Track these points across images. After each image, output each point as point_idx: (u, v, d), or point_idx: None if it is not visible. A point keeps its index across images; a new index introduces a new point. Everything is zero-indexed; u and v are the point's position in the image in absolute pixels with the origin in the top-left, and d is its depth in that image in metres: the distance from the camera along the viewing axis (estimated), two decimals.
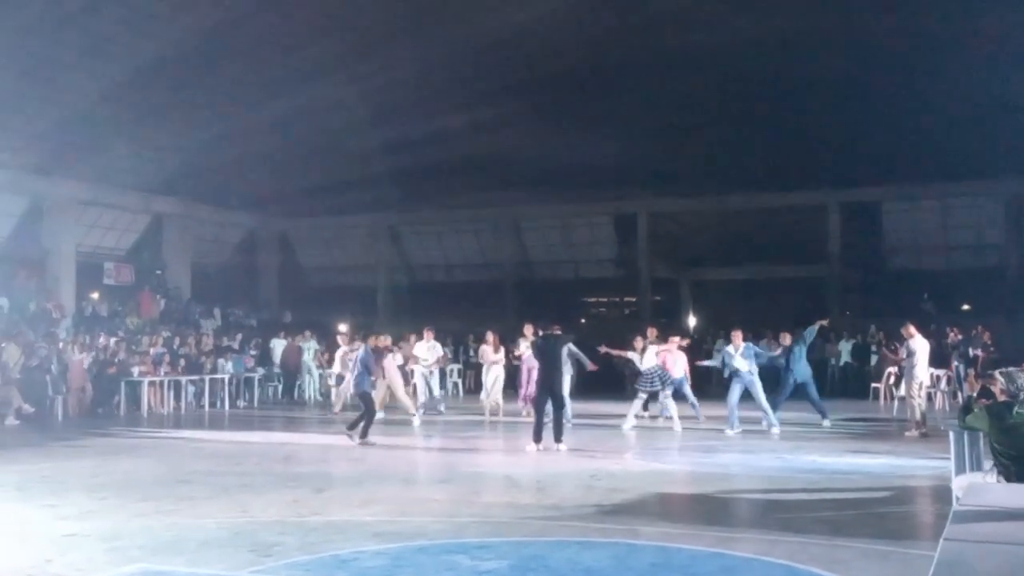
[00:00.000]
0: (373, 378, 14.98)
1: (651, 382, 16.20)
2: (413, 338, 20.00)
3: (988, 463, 7.46)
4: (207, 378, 21.93)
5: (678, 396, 17.35)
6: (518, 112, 23.45)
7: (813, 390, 16.75)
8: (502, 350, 18.66)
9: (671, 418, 16.33)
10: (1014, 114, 21.18)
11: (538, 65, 21.66)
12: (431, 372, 19.56)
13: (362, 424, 14.34)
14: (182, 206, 29.72)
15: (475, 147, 25.36)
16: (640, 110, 23.82)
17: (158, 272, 30.00)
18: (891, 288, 28.83)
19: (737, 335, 16.08)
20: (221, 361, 22.41)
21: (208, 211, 31.00)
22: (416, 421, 17.23)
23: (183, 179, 27.65)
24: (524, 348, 17.49)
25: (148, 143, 25.11)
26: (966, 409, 7.47)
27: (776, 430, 15.37)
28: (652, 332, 18.32)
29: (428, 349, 19.43)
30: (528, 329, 17.03)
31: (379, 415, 17.56)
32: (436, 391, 19.86)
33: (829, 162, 25.88)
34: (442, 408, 19.71)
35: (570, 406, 16.64)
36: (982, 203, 28.44)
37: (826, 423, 16.40)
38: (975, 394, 7.80)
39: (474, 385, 25.48)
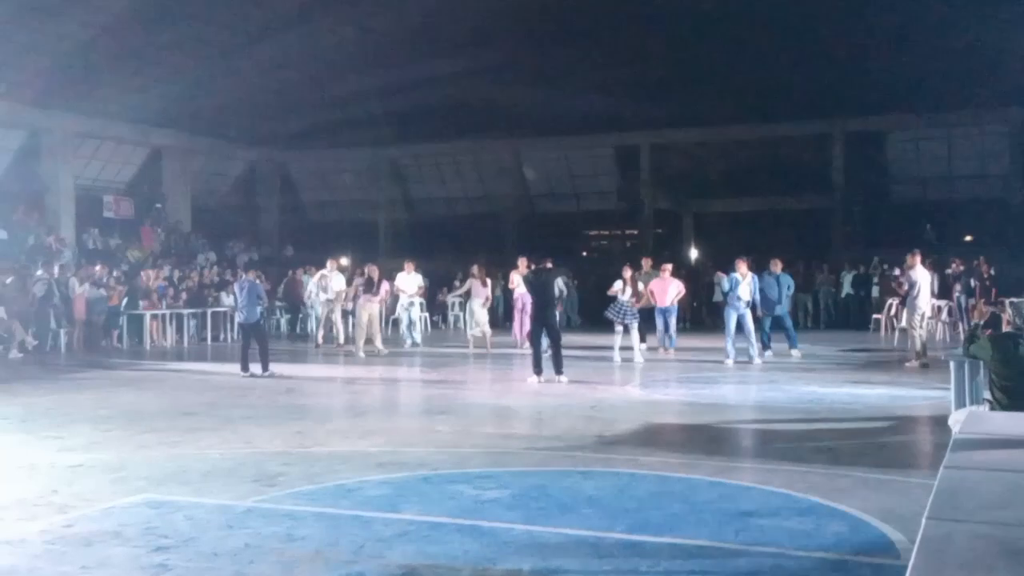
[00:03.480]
0: (261, 308, 15.10)
1: (618, 313, 15.97)
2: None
3: (987, 394, 7.48)
4: (209, 311, 22.00)
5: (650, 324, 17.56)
6: (520, 44, 23.16)
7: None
8: (488, 283, 18.71)
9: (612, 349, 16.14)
10: (1021, 43, 20.89)
11: None
12: (411, 303, 19.73)
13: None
14: (181, 139, 29.49)
15: (475, 80, 25.09)
16: (642, 40, 23.50)
17: (158, 206, 29.90)
18: (894, 219, 28.72)
19: (742, 264, 16.06)
20: (223, 294, 22.43)
21: (207, 144, 30.76)
22: (360, 354, 17.43)
23: (182, 112, 27.39)
24: (517, 281, 17.52)
25: (147, 76, 24.83)
26: (971, 337, 7.47)
27: (759, 360, 15.44)
28: (647, 263, 18.27)
29: (409, 281, 19.52)
30: (522, 262, 17.00)
31: (372, 349, 17.70)
32: (417, 323, 19.98)
33: (833, 91, 25.59)
34: (418, 339, 19.81)
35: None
36: (987, 133, 28.17)
37: (768, 354, 16.55)
38: (982, 323, 7.78)
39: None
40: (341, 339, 19.56)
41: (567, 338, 14.55)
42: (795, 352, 16.56)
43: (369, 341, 17.97)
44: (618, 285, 15.96)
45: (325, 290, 19.71)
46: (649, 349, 17.61)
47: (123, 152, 29.70)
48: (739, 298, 15.83)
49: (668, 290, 17.32)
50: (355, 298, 18.29)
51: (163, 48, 23.23)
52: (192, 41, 23.07)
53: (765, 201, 30.40)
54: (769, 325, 16.81)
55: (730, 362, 15.52)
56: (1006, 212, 27.30)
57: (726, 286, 16.20)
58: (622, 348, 15.89)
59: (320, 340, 19.92)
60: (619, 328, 15.94)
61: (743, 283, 15.90)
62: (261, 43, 22.94)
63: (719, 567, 5.31)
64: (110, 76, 23.90)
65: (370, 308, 17.69)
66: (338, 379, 14.82)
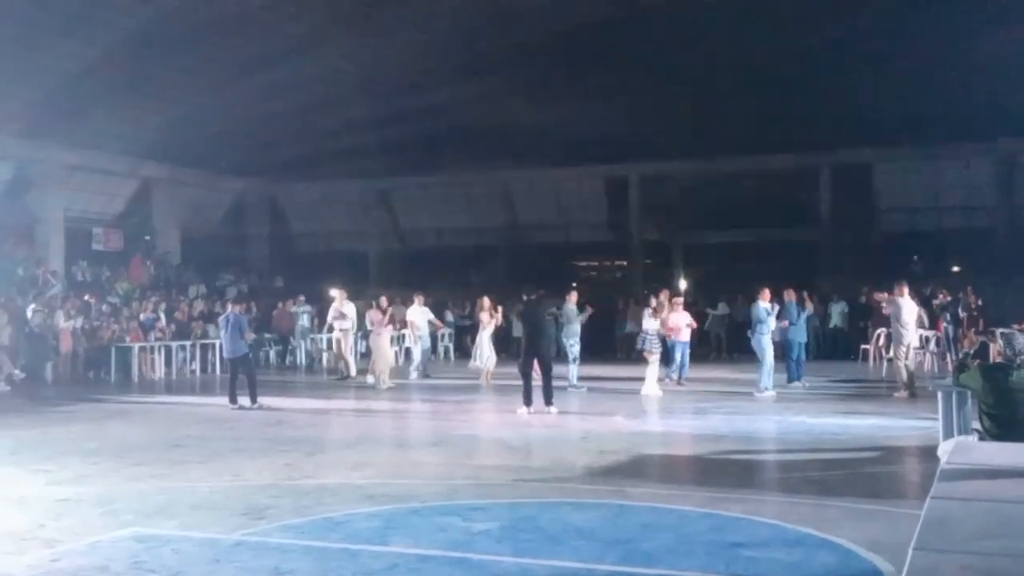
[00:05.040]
0: (246, 341, 15.01)
1: (649, 344, 15.90)
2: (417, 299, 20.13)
3: (976, 424, 7.51)
4: (198, 343, 21.93)
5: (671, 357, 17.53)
6: (509, 77, 23.28)
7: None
8: (497, 313, 18.78)
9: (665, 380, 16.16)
10: (1006, 75, 21.12)
11: (529, 29, 21.44)
12: (427, 335, 19.81)
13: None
14: (170, 171, 29.51)
15: (465, 112, 25.23)
16: (631, 74, 23.68)
17: (147, 237, 29.87)
18: (882, 250, 28.85)
19: (768, 293, 16.06)
20: (211, 328, 22.36)
21: (197, 176, 30.79)
22: (379, 384, 17.39)
23: (171, 144, 27.44)
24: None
25: (136, 108, 24.88)
26: (961, 367, 7.51)
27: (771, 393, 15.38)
28: (664, 295, 18.14)
29: (420, 314, 19.54)
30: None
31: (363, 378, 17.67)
32: (419, 355, 19.88)
33: (821, 124, 25.79)
34: (429, 372, 19.78)
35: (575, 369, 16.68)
36: (973, 165, 28.40)
37: (791, 384, 16.52)
38: (972, 352, 7.84)
39: (470, 347, 25.49)
40: (353, 371, 19.38)
41: (558, 368, 14.55)
42: (768, 394, 15.56)
43: (365, 372, 18.14)
44: (648, 314, 15.94)
45: (343, 319, 19.46)
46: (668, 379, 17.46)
47: (112, 184, 29.67)
48: (770, 328, 15.81)
49: (686, 323, 17.39)
50: (368, 332, 18.30)
51: (153, 80, 23.31)
52: (181, 73, 23.14)
53: (753, 233, 30.54)
54: (796, 354, 16.84)
55: (772, 393, 15.27)
56: (993, 243, 27.47)
57: (763, 316, 15.86)
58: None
59: (354, 371, 19.32)
60: (654, 359, 15.76)
61: (773, 313, 15.92)
62: (251, 75, 23.02)
63: None
64: (100, 109, 23.94)
65: (386, 339, 17.72)
66: (327, 411, 14.77)
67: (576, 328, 16.70)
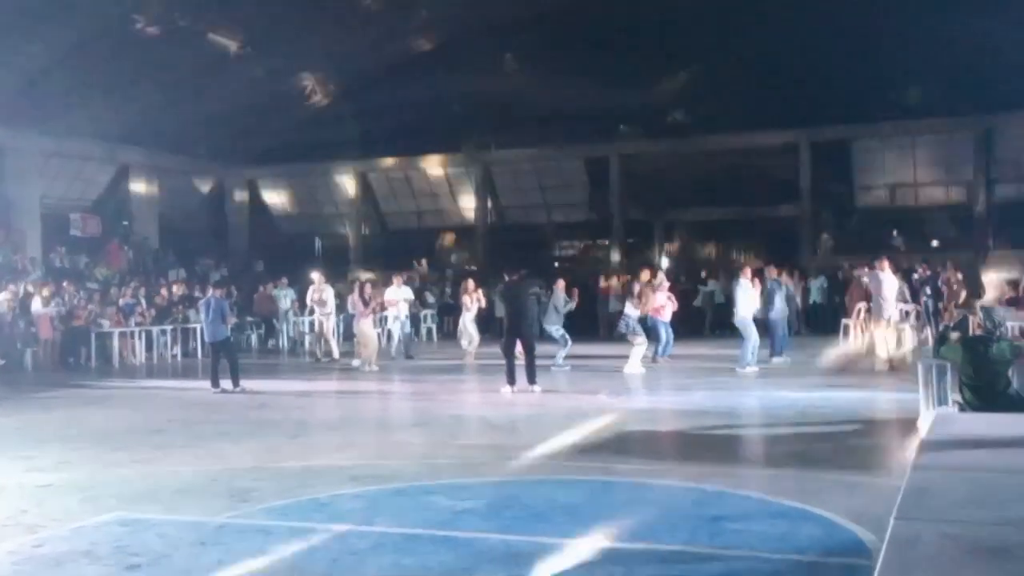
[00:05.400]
0: (228, 325, 14.89)
1: (625, 325, 15.95)
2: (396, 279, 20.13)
3: (956, 396, 7.57)
4: (179, 328, 21.82)
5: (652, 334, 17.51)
6: (490, 56, 23.26)
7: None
8: (478, 294, 18.81)
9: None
10: (982, 50, 21.22)
11: (510, 8, 21.43)
12: (407, 316, 19.73)
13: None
14: (148, 156, 29.29)
15: (445, 91, 25.16)
16: (611, 52, 23.67)
17: (125, 223, 29.66)
18: (862, 226, 28.98)
19: (748, 271, 16.08)
20: (191, 312, 22.25)
21: (174, 161, 30.57)
22: (365, 367, 17.30)
23: (149, 129, 27.24)
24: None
25: (113, 94, 24.66)
26: (941, 340, 7.58)
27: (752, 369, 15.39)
28: (646, 274, 18.08)
29: (399, 295, 19.50)
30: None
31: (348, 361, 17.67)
32: (399, 335, 19.80)
33: (799, 101, 25.84)
34: (412, 353, 19.74)
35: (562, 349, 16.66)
36: (951, 140, 28.53)
37: (776, 360, 16.54)
38: (952, 325, 7.93)
39: (452, 328, 25.49)
40: (336, 354, 19.31)
41: (541, 348, 14.57)
42: (750, 369, 15.60)
43: (349, 354, 18.12)
44: (632, 303, 15.91)
45: (323, 303, 19.37)
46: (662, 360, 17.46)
47: (89, 169, 29.42)
48: (754, 305, 15.84)
49: (668, 304, 17.37)
50: (351, 316, 18.30)
51: (130, 67, 23.11)
52: (160, 60, 22.96)
53: (734, 210, 30.58)
54: (779, 330, 16.91)
55: (754, 369, 15.22)
56: (971, 217, 27.66)
57: (746, 293, 15.81)
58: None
59: (336, 354, 19.28)
60: (640, 341, 15.74)
61: (756, 290, 15.95)
62: (228, 63, 22.89)
63: (694, 572, 5.35)
64: (76, 94, 23.71)
65: (369, 324, 17.73)
66: (310, 393, 14.74)
67: (560, 317, 16.67)
